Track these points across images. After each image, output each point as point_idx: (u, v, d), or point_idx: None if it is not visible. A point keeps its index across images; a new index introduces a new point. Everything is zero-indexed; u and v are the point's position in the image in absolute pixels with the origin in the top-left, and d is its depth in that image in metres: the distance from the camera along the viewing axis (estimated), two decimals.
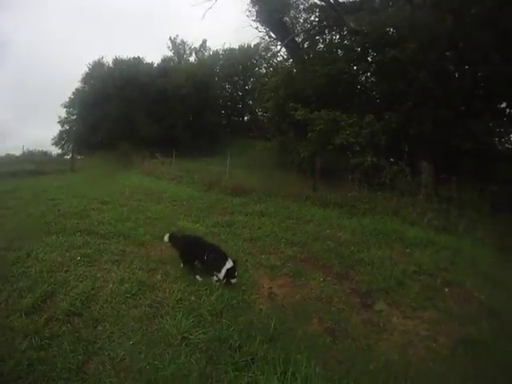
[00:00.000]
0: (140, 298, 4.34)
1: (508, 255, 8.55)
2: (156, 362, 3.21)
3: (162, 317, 3.95)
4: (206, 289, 4.59)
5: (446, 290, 5.48)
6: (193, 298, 4.41)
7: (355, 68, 16.70)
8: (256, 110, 34.36)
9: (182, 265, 5.35)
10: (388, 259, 6.16)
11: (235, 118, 39.89)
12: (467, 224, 9.49)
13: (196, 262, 5.30)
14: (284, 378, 3.10)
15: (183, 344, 3.50)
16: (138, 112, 29.37)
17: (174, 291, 4.51)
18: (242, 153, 22.46)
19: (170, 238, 5.62)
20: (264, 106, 21.67)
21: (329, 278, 5.36)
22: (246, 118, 39.35)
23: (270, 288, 4.94)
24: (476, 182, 11.36)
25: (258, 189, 11.39)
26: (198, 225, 7.30)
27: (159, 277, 4.95)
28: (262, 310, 4.35)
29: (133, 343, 3.48)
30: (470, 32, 13.52)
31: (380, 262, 5.99)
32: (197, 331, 3.68)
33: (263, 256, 6.00)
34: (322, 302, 4.74)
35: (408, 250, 6.79)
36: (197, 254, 5.22)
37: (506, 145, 15.37)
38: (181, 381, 3.01)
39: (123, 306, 4.15)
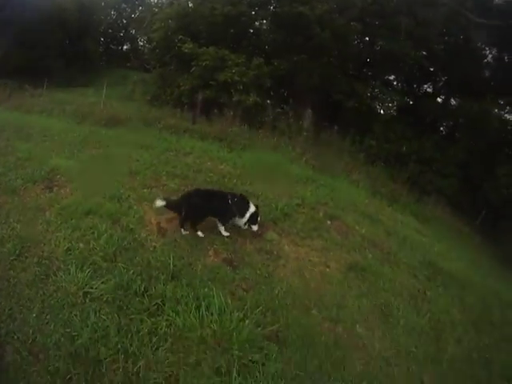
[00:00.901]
0: (26, 258, 3.69)
1: (380, 197, 9.75)
2: (68, 330, 2.89)
3: (55, 274, 3.47)
4: (93, 232, 4.13)
5: (329, 222, 5.96)
6: (81, 244, 3.93)
7: (254, 13, 16.79)
8: (137, 39, 32.54)
9: (183, 230, 4.59)
10: (271, 192, 6.31)
11: (114, 47, 35.87)
12: (344, 167, 10.67)
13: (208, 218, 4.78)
14: (200, 314, 3.05)
15: (87, 300, 3.20)
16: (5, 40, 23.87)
17: (59, 241, 3.92)
18: (118, 83, 20.56)
19: (166, 203, 4.69)
20: (149, 37, 20.47)
21: None
22: (125, 48, 35.77)
23: (159, 223, 4.65)
24: (356, 135, 12.98)
25: (134, 120, 10.55)
26: (71, 161, 6.36)
27: (40, 227, 4.24)
28: (155, 247, 4.11)
29: (36, 315, 3.03)
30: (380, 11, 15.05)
31: (264, 195, 6.11)
32: (96, 283, 3.36)
33: (145, 190, 5.55)
34: (213, 234, 4.68)
35: (289, 185, 7.10)
36: (210, 208, 4.69)
37: (388, 111, 17.71)
38: (102, 343, 2.79)
39: (11, 272, 3.49)
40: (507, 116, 17.63)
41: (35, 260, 3.66)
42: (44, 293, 3.27)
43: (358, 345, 3.75)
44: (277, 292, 3.77)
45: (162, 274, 3.56)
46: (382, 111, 17.93)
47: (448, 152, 14.92)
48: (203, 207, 4.65)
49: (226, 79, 13.22)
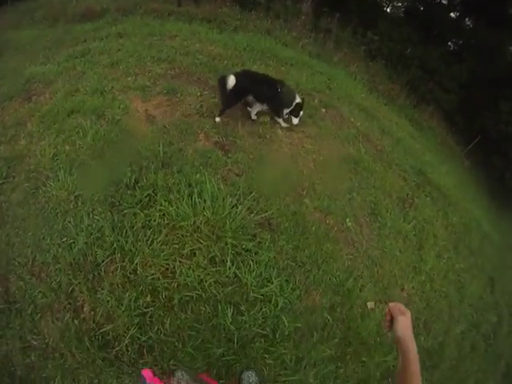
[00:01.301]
0: (14, 177, 3.48)
1: (377, 95, 9.53)
2: (64, 239, 2.84)
3: (44, 185, 3.26)
4: (78, 132, 3.77)
5: (324, 110, 5.65)
6: (67, 147, 3.65)
7: None
8: None
9: (218, 119, 4.32)
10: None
11: None
12: (342, 58, 10.05)
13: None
14: (192, 201, 2.93)
15: (79, 204, 3.08)
16: None
17: (44, 150, 3.62)
18: None
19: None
20: None
21: (206, 92, 4.85)
22: None
23: (146, 111, 4.29)
24: (359, 27, 12.01)
25: (112, 10, 9.45)
26: (47, 66, 5.69)
27: (24, 141, 3.89)
28: (144, 136, 3.84)
29: (32, 234, 2.99)
30: None
31: None
32: (86, 183, 3.20)
33: (129, 78, 5.04)
34: (204, 117, 4.35)
35: (284, 69, 6.60)
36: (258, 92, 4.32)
37: (395, 11, 17.20)
38: (99, 245, 2.75)
39: (1, 197, 3.36)
40: None
41: (23, 177, 3.45)
42: (36, 207, 3.16)
43: (348, 240, 3.79)
44: (270, 177, 3.66)
45: (152, 163, 3.38)
46: (388, 9, 16.99)
47: (453, 68, 14.19)
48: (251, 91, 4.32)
49: None
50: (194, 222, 2.82)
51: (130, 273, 2.63)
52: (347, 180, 4.44)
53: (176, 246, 2.76)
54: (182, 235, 2.79)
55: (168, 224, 2.85)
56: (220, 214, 2.90)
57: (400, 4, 16.67)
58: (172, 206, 2.88)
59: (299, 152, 4.35)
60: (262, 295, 2.73)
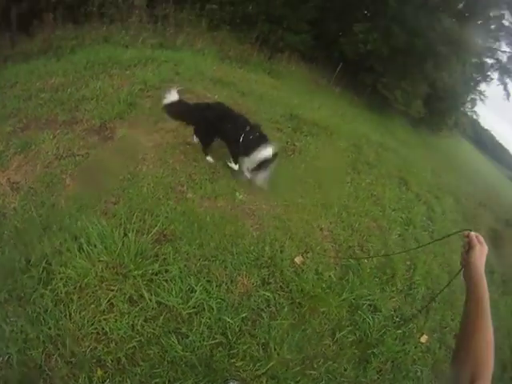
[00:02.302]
0: None
1: (230, 61, 9.74)
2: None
3: None
4: None
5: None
6: None
7: None
8: None
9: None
10: (110, 86, 5.57)
11: None
12: (185, 38, 9.81)
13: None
14: (85, 252, 2.69)
15: None
16: None
17: None
18: None
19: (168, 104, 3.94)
20: None
21: (58, 131, 4.43)
22: None
23: (9, 179, 3.71)
24: (196, 2, 11.62)
25: None
26: None
27: None
28: (15, 208, 3.29)
29: None
30: None
31: (103, 93, 5.35)
32: None
33: None
34: (63, 159, 3.94)
35: (128, 72, 6.29)
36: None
37: None
38: (31, 347, 2.32)
39: None
40: None
41: None
42: None
43: (246, 212, 3.77)
44: (146, 190, 3.47)
45: (34, 233, 2.97)
46: None
47: (299, 9, 14.51)
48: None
49: None
50: (96, 273, 2.58)
51: (70, 357, 2.33)
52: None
53: (93, 305, 2.48)
54: (93, 292, 2.53)
55: (75, 288, 2.56)
56: (114, 251, 2.69)
57: None
58: (69, 268, 2.59)
59: (165, 151, 4.22)
60: (194, 307, 2.61)
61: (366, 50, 14.49)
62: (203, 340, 2.49)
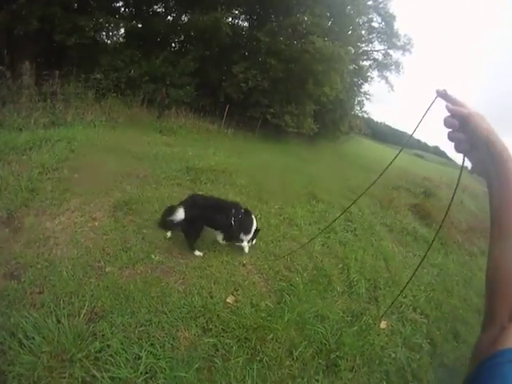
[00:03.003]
0: None
1: (120, 128, 9.77)
2: None
3: None
4: None
5: (76, 175, 5.48)
6: None
7: None
8: None
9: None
10: (10, 174, 5.24)
11: None
12: (75, 112, 9.80)
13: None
14: (27, 347, 2.51)
15: None
16: None
17: None
18: None
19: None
20: None
21: None
22: None
23: None
24: (80, 74, 11.57)
25: None
26: None
27: None
28: None
29: None
30: None
31: (5, 182, 5.01)
32: None
33: None
34: None
35: (25, 157, 6.05)
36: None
37: (114, 38, 16.81)
38: None
39: None
40: (240, 23, 19.72)
41: None
42: None
43: (166, 271, 3.78)
44: (65, 273, 3.33)
45: None
46: (108, 41, 16.85)
47: (180, 64, 15.26)
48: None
49: None
50: (44, 365, 2.41)
51: None
52: (120, 227, 4.42)
53: None
54: (47, 383, 2.36)
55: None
56: (53, 339, 2.57)
57: (117, 32, 16.79)
58: (16, 366, 2.40)
59: (75, 228, 4.18)
60: (146, 373, 2.53)
61: (248, 87, 15.44)
62: None
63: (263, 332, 3.16)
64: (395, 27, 23.52)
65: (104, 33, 16.37)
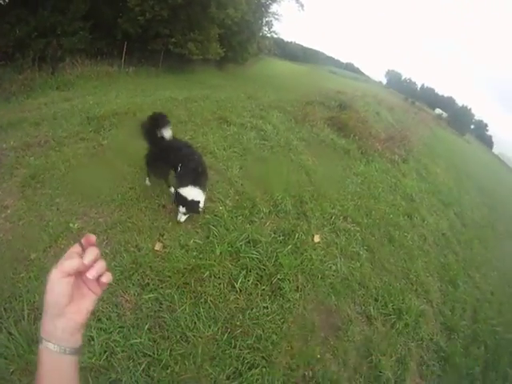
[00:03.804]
0: None
1: (14, 99, 9.28)
2: None
3: None
4: None
5: None
6: None
7: None
8: None
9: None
10: None
11: None
12: None
13: None
14: None
15: None
16: None
17: None
18: None
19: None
20: None
21: None
22: None
23: None
24: None
25: None
26: None
27: None
28: None
29: None
30: None
31: None
32: None
33: None
34: None
35: None
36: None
37: None
38: None
39: None
40: None
41: None
42: None
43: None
44: None
45: None
46: None
47: (70, 10, 13.65)
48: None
49: None
50: None
51: None
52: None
53: None
54: None
55: None
56: (11, 354, 2.43)
57: None
58: None
59: None
60: (105, 351, 2.50)
61: (145, 19, 14.43)
62: (133, 371, 2.44)
63: (200, 272, 3.17)
64: None
65: None
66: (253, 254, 3.52)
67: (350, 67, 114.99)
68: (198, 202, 3.58)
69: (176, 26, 15.63)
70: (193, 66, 18.26)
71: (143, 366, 2.43)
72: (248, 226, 3.98)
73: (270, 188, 4.88)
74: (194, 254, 3.38)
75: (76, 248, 0.78)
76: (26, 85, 10.49)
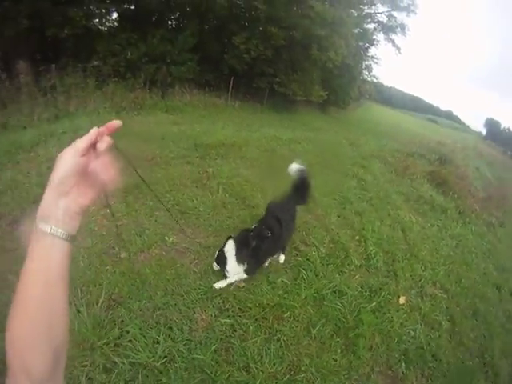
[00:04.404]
0: None
1: (125, 112, 9.94)
2: None
3: None
4: None
5: None
6: None
7: None
8: None
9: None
10: (20, 174, 5.31)
11: None
12: (77, 103, 9.72)
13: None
14: None
15: None
16: None
17: None
18: None
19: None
20: None
21: None
22: None
23: None
24: (77, 64, 11.42)
25: None
26: None
27: None
28: None
29: None
30: None
31: (15, 184, 5.07)
32: None
33: None
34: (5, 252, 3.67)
35: (32, 154, 6.03)
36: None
37: (108, 23, 15.99)
38: None
39: None
40: None
41: None
42: None
43: (181, 252, 3.75)
44: (82, 263, 3.37)
45: None
46: (103, 28, 16.54)
47: (178, 41, 14.79)
48: None
49: None
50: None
51: None
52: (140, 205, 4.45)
53: None
54: (70, 372, 2.40)
55: None
56: (73, 329, 2.63)
57: (109, 17, 16.49)
58: None
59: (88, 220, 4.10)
60: (165, 356, 2.58)
61: (251, 58, 15.02)
62: (185, 383, 2.46)
63: (280, 310, 3.15)
64: None
65: (97, 20, 15.96)
66: (336, 304, 3.45)
67: (449, 115, 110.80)
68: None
69: (279, 66, 16.11)
70: (296, 107, 18.57)
71: (196, 380, 2.47)
72: (337, 275, 3.92)
73: (364, 240, 4.77)
74: (280, 292, 3.39)
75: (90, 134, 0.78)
76: (137, 103, 11.23)
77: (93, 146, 0.77)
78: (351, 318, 3.32)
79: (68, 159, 0.73)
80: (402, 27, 23.42)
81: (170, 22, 18.76)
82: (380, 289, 3.93)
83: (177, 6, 16.93)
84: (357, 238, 4.79)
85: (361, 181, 6.81)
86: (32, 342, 0.66)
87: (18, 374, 0.64)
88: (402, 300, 3.94)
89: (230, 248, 3.21)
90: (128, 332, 2.71)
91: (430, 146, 14.62)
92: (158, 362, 2.51)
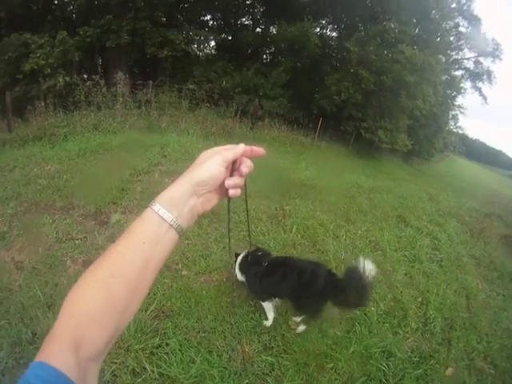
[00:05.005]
0: None
1: (214, 138, 10.35)
2: None
3: None
4: None
5: (167, 180, 5.73)
6: None
7: None
8: None
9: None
10: (102, 173, 5.95)
11: None
12: (169, 120, 10.40)
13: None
14: None
15: None
16: None
17: None
18: None
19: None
20: None
21: (57, 216, 4.67)
22: None
23: (13, 258, 3.86)
24: (173, 84, 12.43)
25: None
26: None
27: None
28: (20, 286, 3.39)
29: None
30: None
31: (95, 180, 5.70)
32: None
33: None
34: (63, 242, 4.14)
35: (118, 158, 6.67)
36: None
37: (205, 50, 18.14)
38: None
39: None
40: (329, 33, 19.95)
41: None
42: None
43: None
44: None
45: (38, 309, 3.10)
46: (200, 53, 17.91)
47: (271, 76, 15.57)
48: None
49: (32, 67, 11.80)
50: None
51: None
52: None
53: None
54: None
55: None
56: None
57: (207, 44, 17.78)
58: None
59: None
60: (196, 377, 2.60)
61: (340, 99, 15.21)
62: None
63: (324, 360, 3.04)
64: (482, 31, 21.58)
65: (195, 45, 17.24)
66: (382, 365, 3.20)
67: None
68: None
69: (368, 111, 16.10)
70: (380, 154, 18.42)
71: None
72: (391, 335, 3.67)
73: (426, 303, 4.46)
74: (328, 342, 3.23)
75: (239, 149, 0.81)
76: (226, 130, 11.72)
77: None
78: (393, 382, 3.12)
79: (215, 165, 0.75)
80: (489, 74, 22.46)
81: (264, 56, 19.76)
82: (430, 356, 3.64)
83: (272, 41, 17.84)
84: (419, 299, 4.52)
85: (434, 239, 6.42)
86: (101, 317, 0.66)
87: (65, 350, 0.60)
88: (448, 372, 3.59)
89: (239, 257, 3.33)
90: (168, 345, 2.78)
91: (509, 206, 13.56)
92: (187, 380, 2.54)
